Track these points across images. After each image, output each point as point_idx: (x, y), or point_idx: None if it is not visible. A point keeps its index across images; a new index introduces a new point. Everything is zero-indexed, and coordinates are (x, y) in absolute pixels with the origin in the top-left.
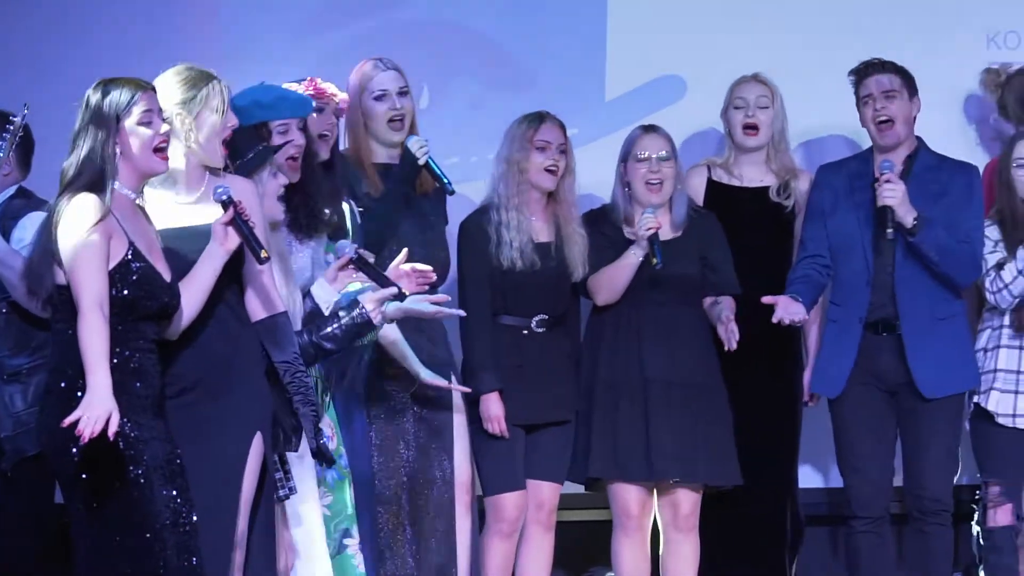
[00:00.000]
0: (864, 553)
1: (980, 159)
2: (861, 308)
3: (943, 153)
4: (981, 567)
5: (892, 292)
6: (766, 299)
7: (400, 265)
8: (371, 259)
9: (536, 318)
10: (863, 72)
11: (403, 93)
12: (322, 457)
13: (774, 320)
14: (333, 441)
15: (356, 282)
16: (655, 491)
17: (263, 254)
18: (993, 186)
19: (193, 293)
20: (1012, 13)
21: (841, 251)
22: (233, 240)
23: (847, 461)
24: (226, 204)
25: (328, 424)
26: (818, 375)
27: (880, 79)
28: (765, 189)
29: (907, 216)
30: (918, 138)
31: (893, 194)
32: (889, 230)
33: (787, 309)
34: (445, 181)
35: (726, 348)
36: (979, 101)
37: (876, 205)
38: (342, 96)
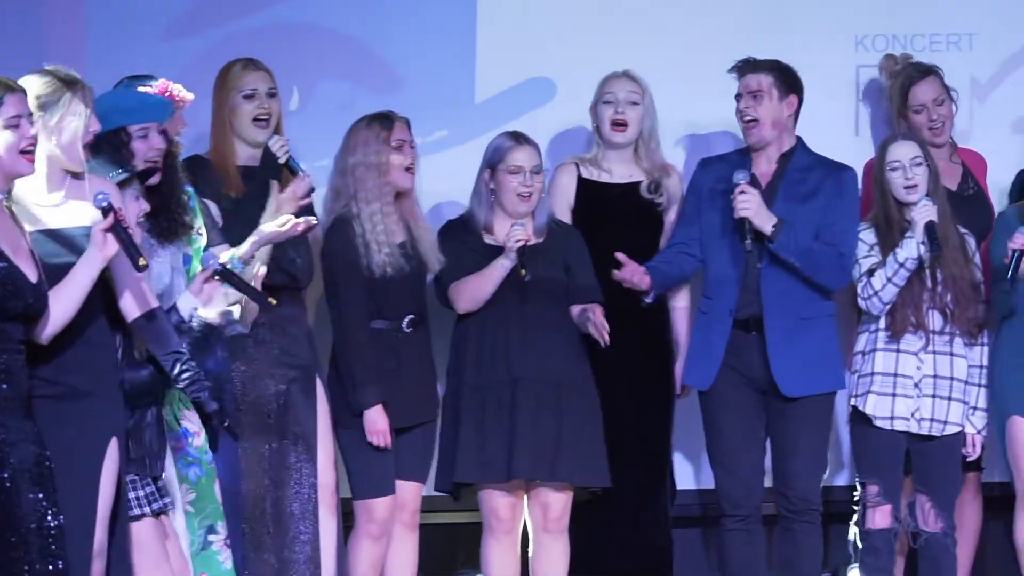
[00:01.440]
0: (734, 551)
1: (850, 159)
2: (731, 302)
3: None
4: (854, 567)
5: (759, 291)
6: (620, 255)
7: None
8: (239, 270)
9: (407, 319)
10: (739, 70)
11: (272, 94)
12: (230, 431)
13: (615, 276)
14: (199, 438)
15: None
16: (525, 493)
17: (141, 261)
18: (869, 187)
19: (68, 298)
20: (878, 18)
21: (713, 246)
22: (112, 247)
23: (717, 459)
24: (106, 211)
25: (195, 421)
26: (689, 367)
27: (749, 79)
28: (636, 185)
29: (765, 224)
30: (798, 138)
31: (748, 205)
32: (747, 241)
33: (630, 270)
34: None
35: (601, 344)
36: (848, 104)
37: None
38: (190, 98)
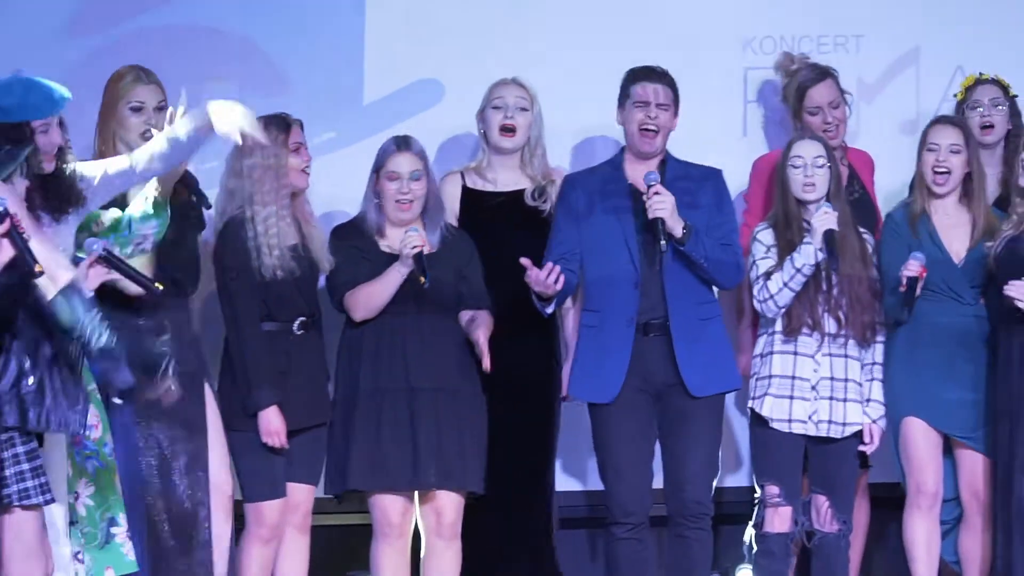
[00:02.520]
0: (624, 560)
1: (739, 159)
2: (630, 309)
3: (702, 159)
4: (745, 568)
5: (662, 294)
6: (524, 261)
7: None
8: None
9: (298, 321)
10: (639, 76)
11: (160, 108)
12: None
13: (528, 279)
14: (98, 430)
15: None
16: (416, 498)
17: (37, 268)
18: (759, 187)
19: None
20: (766, 20)
21: (601, 255)
22: (7, 252)
23: (610, 466)
24: (2, 216)
25: (94, 414)
26: (584, 383)
27: (657, 89)
28: (520, 192)
29: (676, 226)
30: (665, 150)
31: (663, 205)
32: (662, 242)
33: (539, 278)
34: (203, 198)
35: (483, 367)
36: (736, 105)
37: (647, 217)
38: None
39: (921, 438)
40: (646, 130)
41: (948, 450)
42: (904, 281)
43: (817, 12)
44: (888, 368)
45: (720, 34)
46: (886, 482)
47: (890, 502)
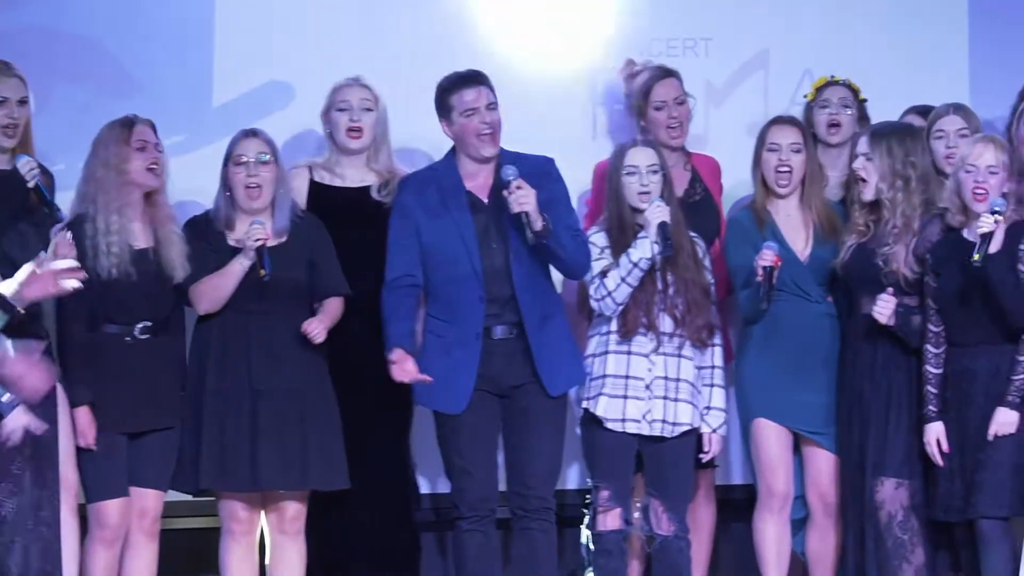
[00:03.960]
0: (471, 552)
1: (588, 161)
2: (476, 323)
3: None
4: (588, 570)
5: (510, 297)
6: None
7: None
8: None
9: (139, 325)
10: (458, 84)
11: (23, 102)
12: None
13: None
14: None
15: None
16: (263, 497)
17: None
18: (602, 191)
19: None
20: (617, 22)
21: (443, 264)
22: None
23: (456, 463)
24: None
25: None
26: (431, 392)
27: (480, 91)
28: (367, 188)
29: (537, 219)
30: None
31: (527, 199)
32: (530, 235)
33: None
34: (53, 208)
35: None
36: (585, 108)
37: (492, 216)
38: None
39: (772, 439)
40: (488, 134)
41: (797, 448)
42: (760, 271)
43: (667, 15)
44: (739, 370)
45: (571, 35)
46: (739, 483)
47: (738, 503)
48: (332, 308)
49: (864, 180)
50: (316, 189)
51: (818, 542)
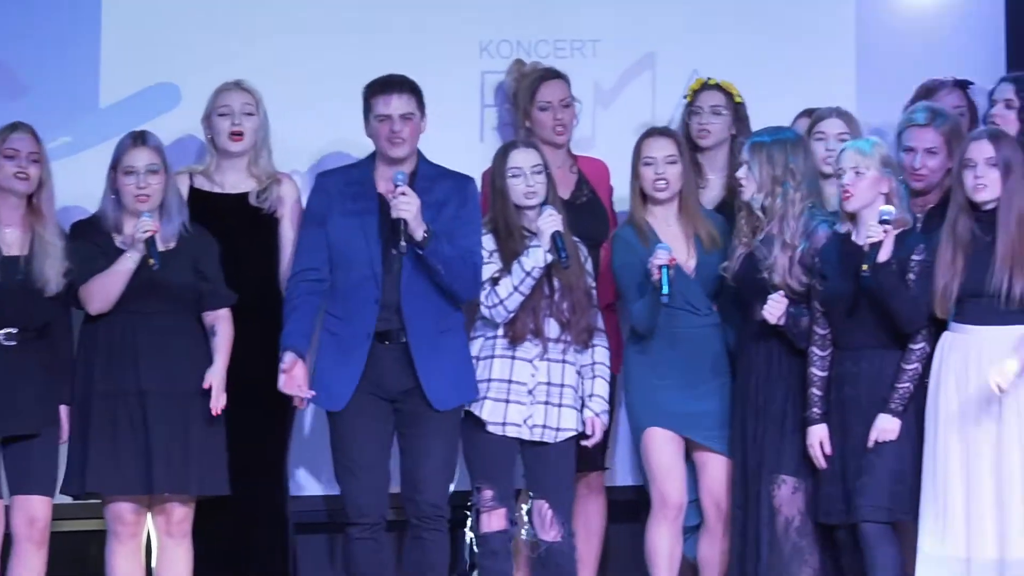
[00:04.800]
0: (361, 559)
1: (476, 163)
2: (369, 324)
3: (440, 163)
4: (475, 573)
5: (399, 305)
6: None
7: None
8: None
9: (3, 331)
10: (378, 90)
11: None
12: None
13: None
14: None
15: None
16: (149, 499)
17: None
18: (487, 195)
19: None
20: (502, 24)
21: (345, 263)
22: None
23: (347, 468)
24: None
25: None
26: (319, 389)
27: (403, 100)
28: (245, 195)
29: (418, 229)
30: (419, 151)
31: (408, 206)
32: (402, 243)
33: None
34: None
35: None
36: (473, 109)
37: (390, 217)
38: None
39: (664, 448)
40: (397, 141)
41: (689, 453)
42: (656, 271)
43: (554, 16)
44: (627, 382)
45: (457, 38)
46: (629, 485)
47: (627, 504)
48: (225, 338)
49: (744, 187)
50: (195, 195)
51: (709, 548)
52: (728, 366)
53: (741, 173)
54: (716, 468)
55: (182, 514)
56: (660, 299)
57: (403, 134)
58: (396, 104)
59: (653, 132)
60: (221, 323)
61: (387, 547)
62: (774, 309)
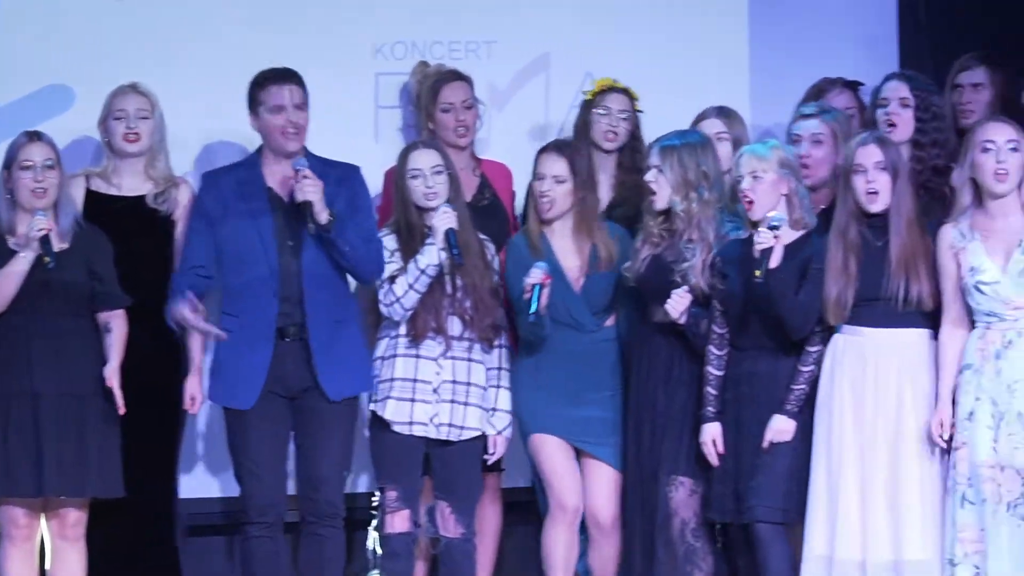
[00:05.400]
0: (259, 558)
1: (371, 165)
2: (270, 321)
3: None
4: (373, 573)
5: (300, 298)
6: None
7: None
8: None
9: None
10: (270, 80)
11: None
12: None
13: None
14: None
15: None
16: (43, 502)
17: None
18: (391, 195)
19: None
20: (397, 25)
21: (239, 260)
22: None
23: (244, 467)
24: None
25: None
26: (222, 388)
27: (293, 90)
28: (142, 197)
29: (322, 213)
30: (303, 146)
31: (314, 190)
32: (311, 226)
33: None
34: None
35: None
36: (368, 111)
37: (284, 211)
38: None
39: (554, 453)
40: (292, 132)
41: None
42: (528, 288)
43: (449, 18)
44: (513, 392)
45: (351, 39)
46: (524, 486)
47: (523, 505)
48: (119, 336)
49: (655, 192)
50: (92, 198)
51: (601, 556)
52: (618, 380)
53: (651, 177)
54: (600, 477)
55: (76, 517)
56: (527, 318)
57: (297, 124)
58: (290, 95)
59: (549, 148)
60: (115, 321)
61: (284, 547)
62: (678, 304)
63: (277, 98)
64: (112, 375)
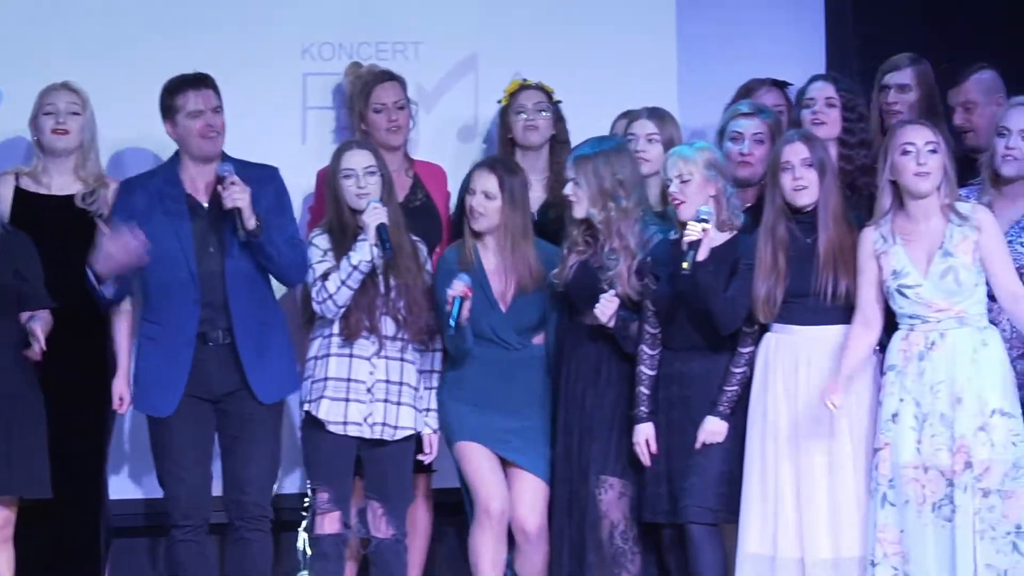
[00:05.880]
0: (185, 561)
1: (298, 167)
2: (191, 326)
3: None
4: (304, 574)
5: (224, 303)
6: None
7: None
8: None
9: None
10: (184, 85)
11: None
12: None
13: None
14: None
15: None
16: None
17: None
18: (323, 195)
19: None
20: (325, 26)
21: (159, 266)
22: None
23: (169, 471)
24: None
25: None
26: (144, 396)
27: (208, 94)
28: (71, 197)
29: (250, 219)
30: (222, 150)
31: (242, 195)
32: (240, 232)
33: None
34: None
35: (30, 357)
36: (295, 112)
37: (205, 217)
38: None
39: (479, 459)
40: (211, 136)
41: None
42: (450, 300)
43: (376, 19)
44: (440, 393)
45: (278, 40)
46: (448, 487)
47: (453, 506)
48: (47, 320)
49: (575, 203)
50: (21, 196)
51: (527, 561)
52: (546, 391)
53: (568, 190)
54: (523, 487)
55: (4, 517)
56: (448, 330)
57: (217, 128)
58: (207, 100)
59: (483, 164)
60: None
61: (211, 548)
62: (606, 308)
63: (194, 103)
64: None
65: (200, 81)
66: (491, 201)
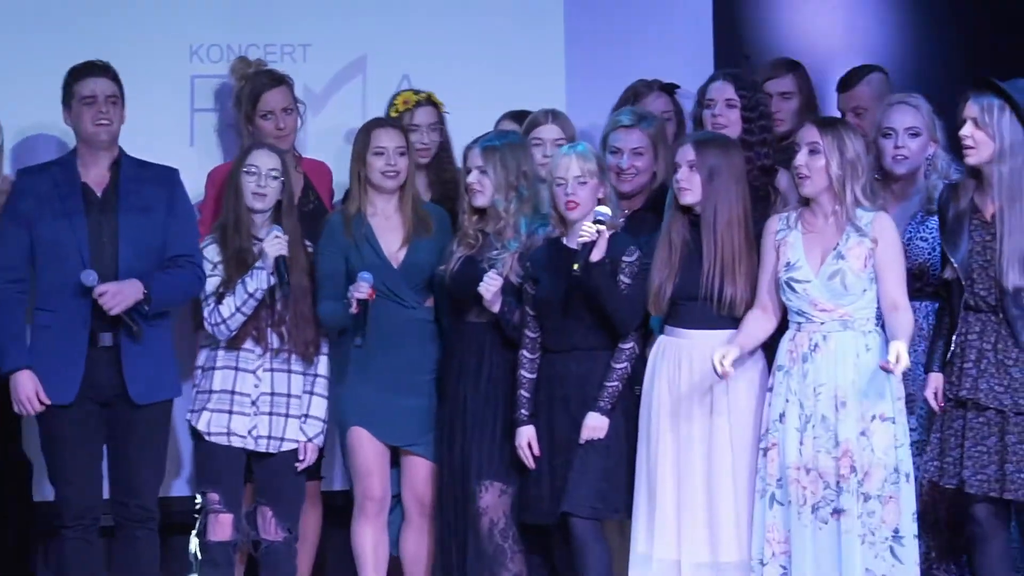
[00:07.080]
0: (74, 560)
1: (186, 169)
2: (84, 319)
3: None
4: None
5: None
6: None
7: None
8: None
9: None
10: (82, 74)
11: None
12: None
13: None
14: None
15: None
16: None
17: None
18: (216, 197)
19: None
20: (213, 28)
21: (54, 259)
22: None
23: (60, 473)
24: None
25: None
26: (47, 383)
27: (104, 83)
28: None
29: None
30: (120, 147)
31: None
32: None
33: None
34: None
35: None
36: (183, 114)
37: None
38: None
39: (367, 447)
40: (100, 124)
41: (396, 453)
42: (355, 304)
43: (265, 21)
44: (340, 377)
45: (166, 41)
46: (342, 490)
47: (340, 508)
48: None
49: (479, 192)
50: None
51: (414, 544)
52: (434, 364)
53: (473, 179)
54: (418, 468)
55: None
56: (355, 342)
57: (109, 115)
58: (102, 86)
59: (383, 122)
60: None
61: (99, 549)
62: (491, 285)
63: (89, 89)
64: None
65: (98, 69)
66: (402, 157)
